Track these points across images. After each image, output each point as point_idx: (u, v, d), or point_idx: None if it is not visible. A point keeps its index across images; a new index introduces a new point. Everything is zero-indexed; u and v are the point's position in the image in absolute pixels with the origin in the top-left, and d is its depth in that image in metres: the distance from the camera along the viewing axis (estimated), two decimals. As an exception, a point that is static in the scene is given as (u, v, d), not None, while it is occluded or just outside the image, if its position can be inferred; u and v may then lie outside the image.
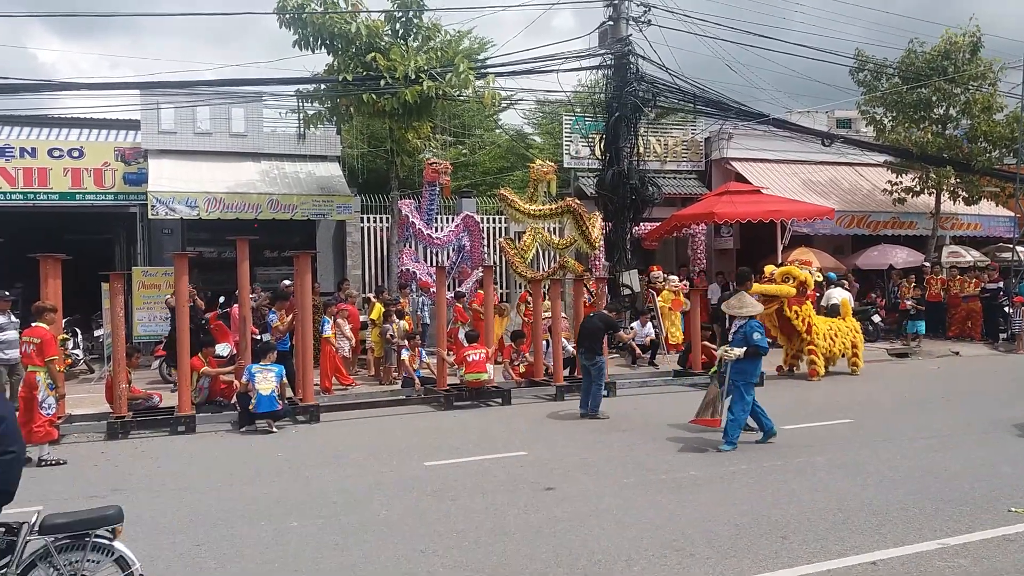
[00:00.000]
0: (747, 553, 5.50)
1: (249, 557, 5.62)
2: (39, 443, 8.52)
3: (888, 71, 20.15)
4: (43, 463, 8.48)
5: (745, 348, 8.79)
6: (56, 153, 17.15)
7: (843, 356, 14.53)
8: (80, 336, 15.32)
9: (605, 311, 12.16)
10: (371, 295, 16.03)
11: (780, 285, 13.95)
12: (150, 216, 16.11)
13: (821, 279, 16.18)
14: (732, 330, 9.37)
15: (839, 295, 15.66)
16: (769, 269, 14.67)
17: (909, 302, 18.42)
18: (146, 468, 8.16)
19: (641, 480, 7.43)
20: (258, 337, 11.95)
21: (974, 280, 19.42)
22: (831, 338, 14.30)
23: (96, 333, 15.73)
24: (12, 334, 10.47)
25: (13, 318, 10.84)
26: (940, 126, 20.02)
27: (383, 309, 13.87)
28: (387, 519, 6.39)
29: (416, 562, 5.48)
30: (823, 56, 19.01)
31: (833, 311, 15.08)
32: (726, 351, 8.94)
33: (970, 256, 22.03)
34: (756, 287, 14.24)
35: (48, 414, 8.72)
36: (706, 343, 14.33)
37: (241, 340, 11.13)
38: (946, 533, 5.86)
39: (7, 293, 11.01)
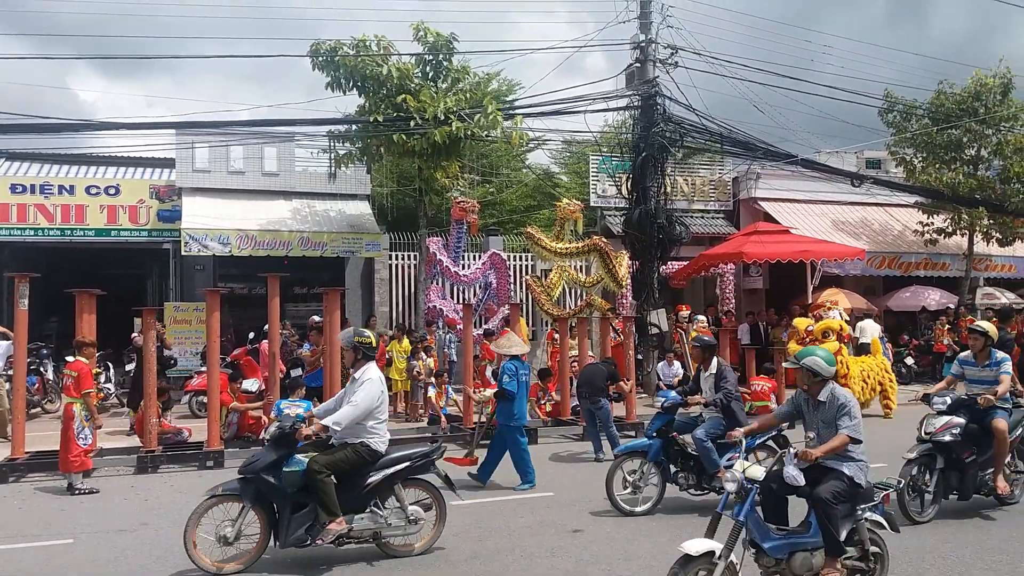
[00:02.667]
0: (780, 600, 5.36)
1: None
2: (75, 472, 8.82)
3: (918, 112, 20.09)
4: (77, 491, 8.71)
5: (495, 391, 8.94)
6: (93, 190, 17.58)
7: (872, 396, 14.27)
8: (112, 370, 15.52)
9: (604, 363, 11.99)
10: (388, 332, 16.06)
11: (825, 344, 13.63)
12: (183, 252, 16.39)
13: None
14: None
15: (871, 329, 15.40)
16: (803, 325, 14.18)
17: (946, 342, 18.07)
18: (175, 502, 8.19)
19: (671, 523, 7.32)
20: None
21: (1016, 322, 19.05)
22: (864, 380, 14.06)
23: (128, 367, 15.92)
24: None
25: None
26: (972, 167, 19.86)
27: (405, 345, 13.96)
28: (412, 560, 6.33)
29: (443, 603, 5.42)
30: (851, 97, 18.99)
31: (863, 349, 14.84)
32: (480, 392, 9.10)
33: (1005, 298, 21.65)
34: (795, 349, 13.96)
35: (84, 444, 8.95)
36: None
37: (270, 376, 11.20)
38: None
39: None
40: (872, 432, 12.78)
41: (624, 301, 18.84)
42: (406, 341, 14.28)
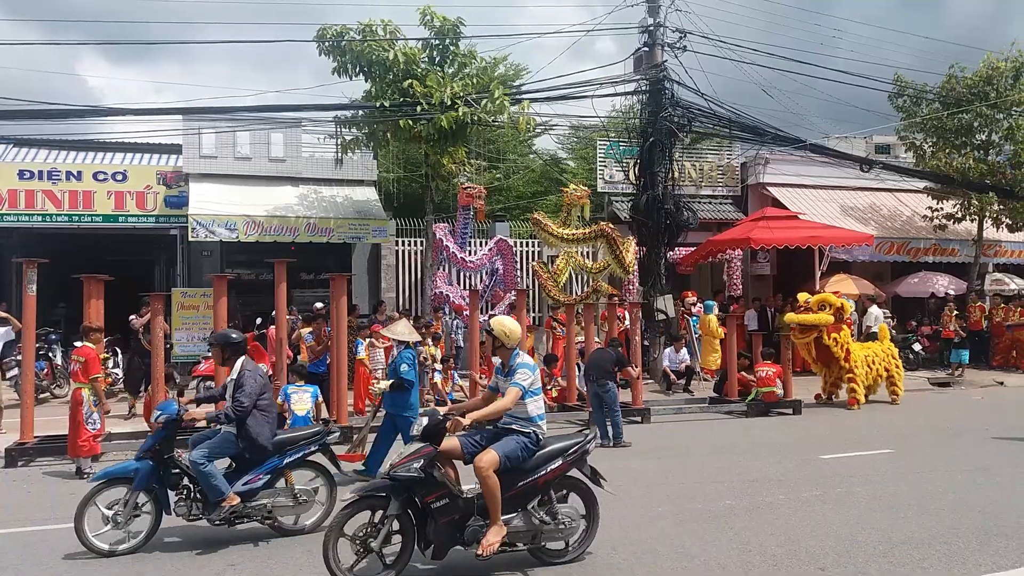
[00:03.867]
0: (785, 585, 5.38)
1: (282, 578, 5.62)
2: (84, 456, 8.94)
3: (928, 96, 19.92)
4: (86, 476, 8.75)
5: (391, 381, 8.46)
6: (100, 176, 17.60)
7: (878, 382, 14.26)
8: (120, 355, 15.60)
9: (611, 347, 11.97)
10: (395, 316, 16.07)
11: (818, 314, 13.75)
12: (190, 238, 16.42)
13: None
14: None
15: (876, 314, 15.40)
16: (804, 297, 14.45)
17: (953, 328, 18.02)
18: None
19: (676, 509, 7.33)
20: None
21: (1019, 309, 18.97)
22: (869, 365, 14.05)
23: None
24: None
25: None
26: (982, 152, 19.71)
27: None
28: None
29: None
30: (860, 82, 18.88)
31: (872, 337, 14.83)
32: (376, 383, 8.65)
33: (1014, 284, 21.55)
34: (793, 317, 14.07)
35: (93, 429, 9.02)
36: (743, 372, 14.15)
37: (277, 361, 11.24)
38: (991, 568, 5.68)
39: None
40: (879, 418, 12.84)
41: (631, 287, 18.82)
42: None
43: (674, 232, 17.65)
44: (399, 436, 8.20)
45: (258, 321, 15.05)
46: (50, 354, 14.91)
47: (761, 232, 17.79)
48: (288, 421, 10.13)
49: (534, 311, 19.08)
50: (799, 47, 19.80)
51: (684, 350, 15.90)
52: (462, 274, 18.06)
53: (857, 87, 19.21)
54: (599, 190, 20.62)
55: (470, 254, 17.09)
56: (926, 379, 17.18)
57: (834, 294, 15.02)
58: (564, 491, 5.93)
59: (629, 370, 11.93)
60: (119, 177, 17.72)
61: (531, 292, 18.46)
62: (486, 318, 15.59)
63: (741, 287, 20.80)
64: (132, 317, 13.83)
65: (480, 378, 12.65)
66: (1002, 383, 17.03)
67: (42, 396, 13.89)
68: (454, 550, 5.54)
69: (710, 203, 21.55)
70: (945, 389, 16.55)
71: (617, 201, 20.57)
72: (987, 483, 8.24)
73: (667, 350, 16.20)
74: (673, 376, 15.36)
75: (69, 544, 6.32)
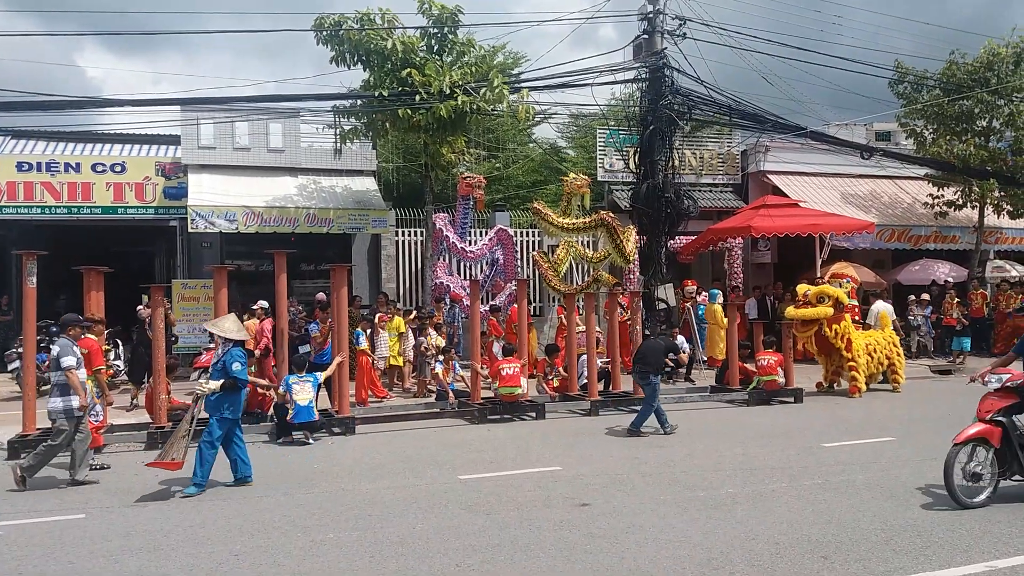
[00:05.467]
0: (788, 573, 5.39)
1: (285, 567, 5.63)
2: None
3: (928, 83, 19.84)
4: (88, 467, 8.70)
5: (222, 381, 7.91)
6: (99, 168, 17.55)
7: (879, 370, 14.26)
8: (121, 347, 15.59)
9: (662, 337, 11.92)
10: (398, 307, 16.09)
11: (817, 308, 13.71)
12: (189, 230, 16.39)
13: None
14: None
15: (877, 309, 15.38)
16: (802, 289, 14.38)
17: (955, 315, 17.99)
18: (185, 478, 8.24)
19: (678, 497, 7.34)
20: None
21: (1020, 295, 18.96)
22: (870, 354, 14.05)
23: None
24: None
25: None
26: (983, 138, 19.64)
27: (397, 323, 14.07)
28: (422, 532, 6.37)
29: (451, 576, 5.46)
30: (861, 68, 18.80)
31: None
32: (201, 384, 8.03)
33: (1015, 271, 21.51)
34: (793, 312, 14.03)
35: (95, 421, 9.02)
36: (741, 362, 14.14)
37: (278, 352, 11.24)
38: (994, 555, 5.68)
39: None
40: (881, 406, 12.84)
41: (631, 277, 18.81)
42: (397, 319, 14.33)
43: (674, 221, 17.64)
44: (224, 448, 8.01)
45: (264, 304, 14.63)
46: (51, 346, 14.86)
47: (762, 220, 17.76)
48: (291, 411, 10.17)
49: (535, 301, 19.08)
50: (800, 34, 19.69)
51: (681, 337, 15.80)
52: (462, 264, 18.04)
53: (858, 74, 19.11)
54: (599, 179, 20.57)
55: (470, 244, 17.06)
56: (927, 367, 17.19)
57: (839, 277, 15.00)
58: None
59: (682, 356, 11.90)
60: (118, 168, 17.68)
61: (532, 282, 18.44)
62: (487, 308, 15.66)
63: (742, 276, 20.80)
64: (140, 307, 13.81)
65: (481, 368, 12.66)
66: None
67: (44, 388, 13.87)
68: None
69: (710, 191, 21.50)
70: (946, 377, 16.55)
71: (617, 190, 20.53)
72: None
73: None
74: (673, 364, 15.28)
75: (73, 535, 6.33)
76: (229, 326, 8.30)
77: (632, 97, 18.69)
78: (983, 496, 6.93)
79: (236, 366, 7.96)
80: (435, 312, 14.95)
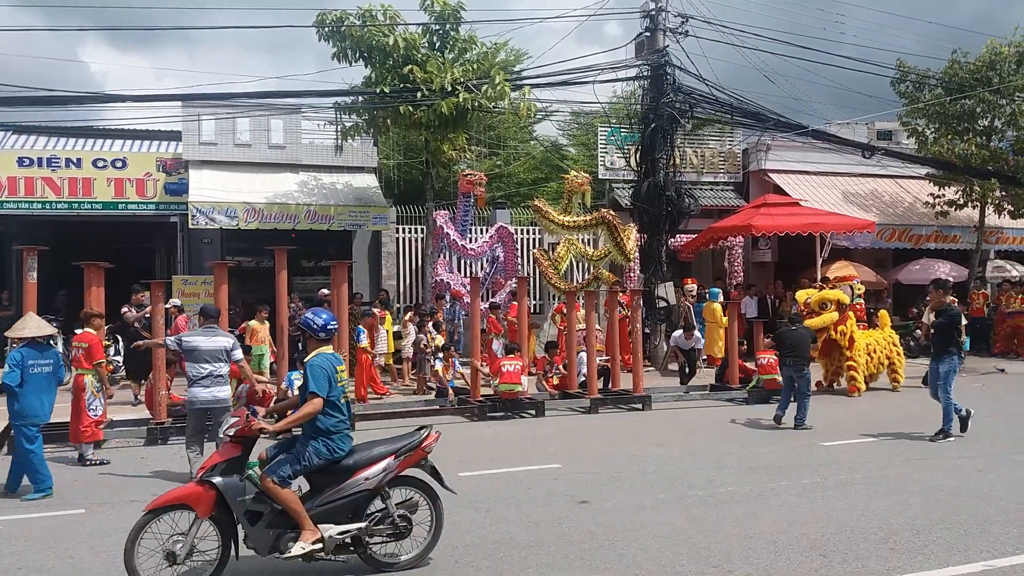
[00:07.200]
0: (786, 571, 5.40)
1: (285, 564, 5.63)
2: (86, 443, 8.93)
3: (930, 82, 19.82)
4: (88, 462, 8.81)
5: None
6: (100, 164, 17.56)
7: (879, 369, 14.26)
8: (121, 343, 15.59)
9: (804, 328, 11.87)
10: (398, 305, 16.15)
11: (823, 316, 13.70)
12: (190, 226, 16.40)
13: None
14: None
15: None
16: (802, 297, 14.39)
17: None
18: (184, 473, 8.25)
19: (678, 495, 7.34)
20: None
21: (1020, 296, 18.95)
22: (870, 353, 14.06)
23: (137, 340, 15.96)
24: None
25: None
26: (984, 138, 19.62)
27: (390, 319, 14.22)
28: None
29: (451, 572, 5.46)
30: (863, 67, 18.78)
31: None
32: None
33: (1016, 271, 21.52)
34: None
35: (95, 416, 9.02)
36: (741, 362, 14.14)
37: (280, 348, 11.25)
38: (992, 555, 5.69)
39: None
40: (880, 405, 12.84)
41: (632, 275, 18.82)
42: (389, 318, 14.41)
43: (675, 219, 17.63)
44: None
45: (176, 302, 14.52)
46: (50, 341, 14.86)
47: (762, 219, 17.76)
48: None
49: (535, 299, 19.09)
50: (802, 32, 19.70)
51: (697, 334, 15.65)
52: (463, 261, 18.04)
53: (860, 72, 19.08)
54: (600, 177, 20.57)
55: (471, 241, 17.07)
56: (927, 366, 17.16)
57: (846, 279, 15.01)
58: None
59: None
60: (119, 164, 17.69)
61: (532, 279, 18.45)
62: (486, 306, 15.67)
63: (742, 274, 20.80)
64: (124, 309, 13.79)
65: (481, 365, 12.67)
66: (1003, 370, 17.01)
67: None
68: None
69: (711, 190, 21.50)
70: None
71: (618, 188, 20.52)
72: (987, 469, 8.26)
73: (676, 333, 15.84)
74: (683, 357, 15.23)
75: (71, 530, 6.34)
76: (17, 324, 8.14)
77: (634, 95, 18.67)
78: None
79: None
80: (436, 309, 14.96)
